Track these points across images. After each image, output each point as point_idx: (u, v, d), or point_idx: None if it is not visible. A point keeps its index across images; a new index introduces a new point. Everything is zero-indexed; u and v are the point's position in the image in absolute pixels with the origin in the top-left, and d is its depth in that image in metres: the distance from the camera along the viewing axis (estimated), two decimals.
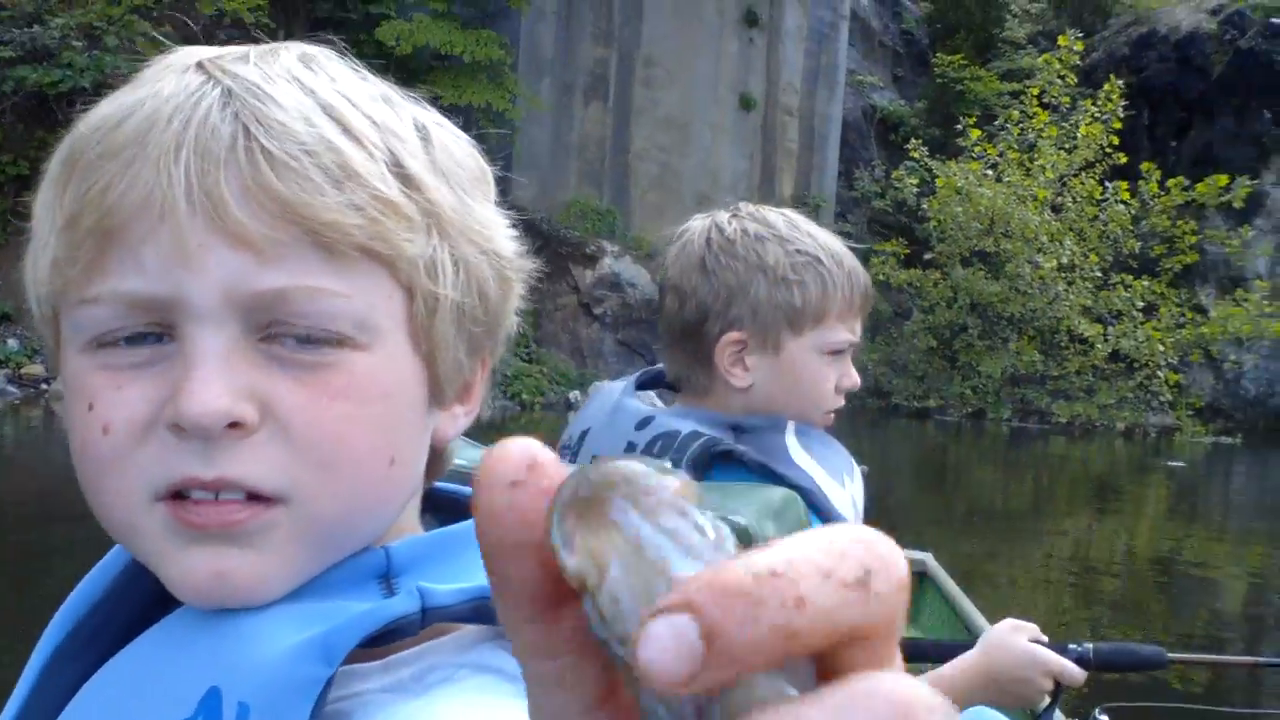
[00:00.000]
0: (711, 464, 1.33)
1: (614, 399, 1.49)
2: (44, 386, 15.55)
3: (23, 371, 15.72)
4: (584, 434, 1.49)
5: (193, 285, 0.50)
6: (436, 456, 0.61)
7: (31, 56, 16.26)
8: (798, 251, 1.39)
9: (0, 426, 14.01)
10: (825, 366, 1.41)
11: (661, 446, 1.36)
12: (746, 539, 0.98)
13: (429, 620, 0.50)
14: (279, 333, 0.52)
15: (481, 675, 0.53)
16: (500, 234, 0.60)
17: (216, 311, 0.50)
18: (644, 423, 1.41)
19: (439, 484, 0.65)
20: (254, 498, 0.52)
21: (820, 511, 1.30)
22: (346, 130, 0.52)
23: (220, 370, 0.50)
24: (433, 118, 0.60)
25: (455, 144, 0.60)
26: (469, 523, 0.52)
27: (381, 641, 0.50)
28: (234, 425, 0.51)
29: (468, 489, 0.57)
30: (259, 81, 0.52)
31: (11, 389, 15.44)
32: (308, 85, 0.53)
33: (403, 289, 0.53)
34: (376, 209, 0.51)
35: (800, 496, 1.17)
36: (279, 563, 0.52)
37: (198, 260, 0.50)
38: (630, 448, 1.39)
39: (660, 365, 1.55)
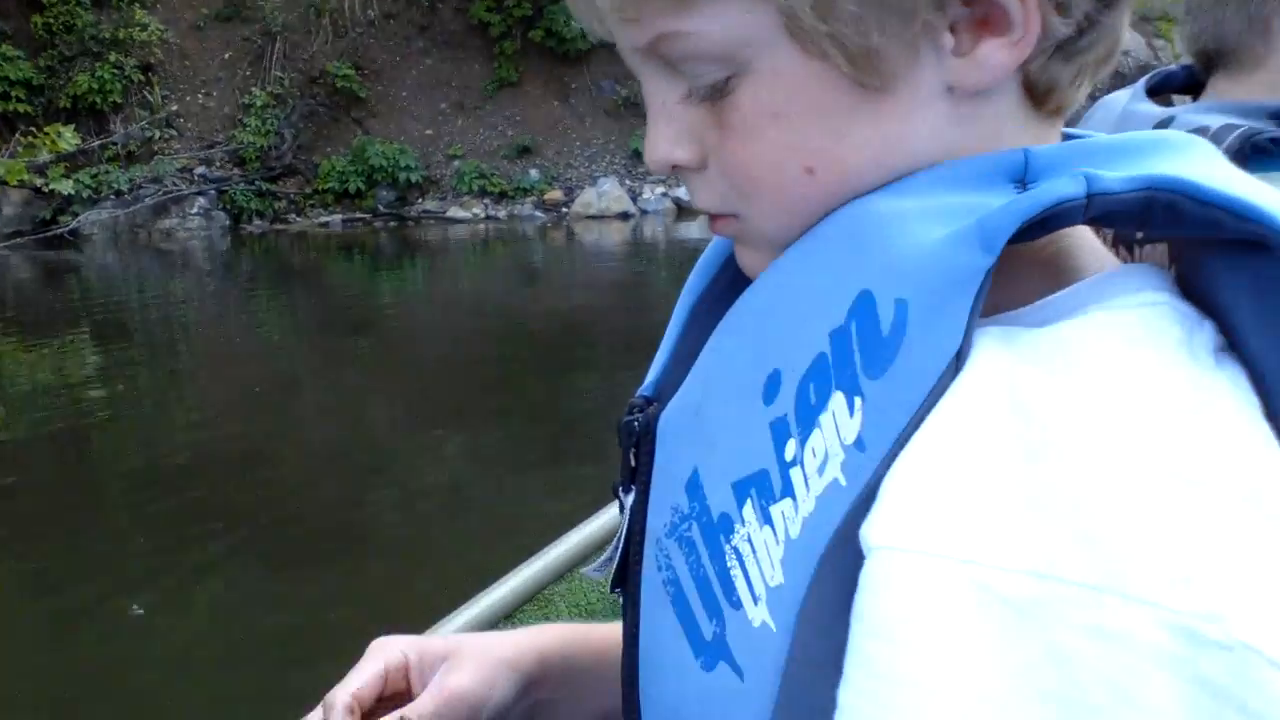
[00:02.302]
0: (1250, 158, 1.08)
1: (1120, 107, 1.28)
2: (564, 210, 17.07)
3: (546, 198, 17.32)
4: None
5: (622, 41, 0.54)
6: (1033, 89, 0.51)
7: None
8: None
9: (530, 247, 15.70)
10: None
11: None
12: None
13: (1093, 209, 0.43)
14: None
15: (1128, 312, 0.45)
16: None
17: (639, 67, 0.54)
18: (1163, 124, 1.17)
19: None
20: None
21: None
22: None
23: (661, 121, 0.54)
24: None
25: None
26: (1128, 134, 0.49)
27: (1035, 235, 0.44)
28: (677, 167, 0.54)
29: None
30: None
31: (538, 214, 17.16)
32: None
33: (765, 2, 0.49)
34: None
35: None
36: (764, 258, 0.54)
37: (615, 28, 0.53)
38: None
39: (1172, 67, 1.32)
